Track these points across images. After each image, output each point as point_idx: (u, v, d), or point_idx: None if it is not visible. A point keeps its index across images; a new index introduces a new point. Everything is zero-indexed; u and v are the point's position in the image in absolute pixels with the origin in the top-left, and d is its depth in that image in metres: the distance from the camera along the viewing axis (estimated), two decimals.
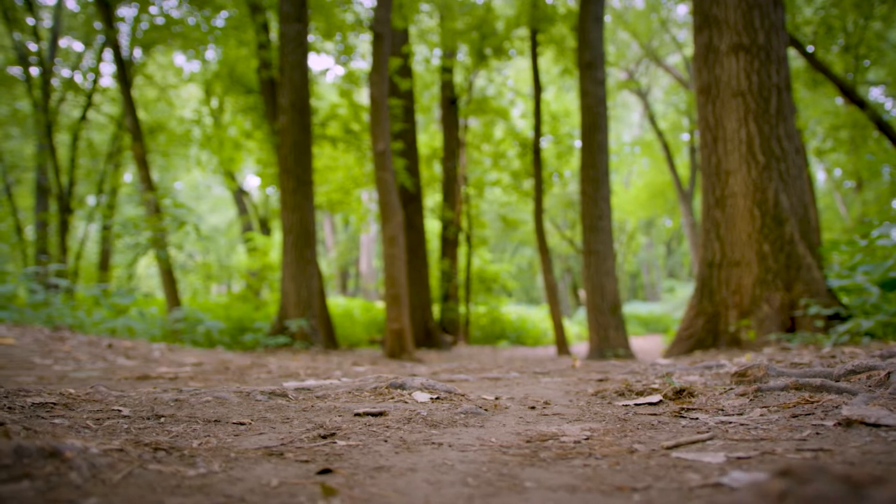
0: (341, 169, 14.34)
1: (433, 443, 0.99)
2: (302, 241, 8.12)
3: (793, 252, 5.81)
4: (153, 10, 11.68)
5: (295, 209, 7.96)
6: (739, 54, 6.14)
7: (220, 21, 11.35)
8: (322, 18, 10.47)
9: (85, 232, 12.77)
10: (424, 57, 15.12)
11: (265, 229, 20.26)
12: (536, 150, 12.12)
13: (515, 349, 14.34)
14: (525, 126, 17.17)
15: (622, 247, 34.63)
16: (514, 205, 21.77)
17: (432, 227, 18.39)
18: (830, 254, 6.96)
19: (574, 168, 19.62)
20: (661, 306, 28.97)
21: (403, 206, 10.56)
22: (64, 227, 11.91)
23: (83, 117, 13.88)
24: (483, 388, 1.69)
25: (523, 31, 13.87)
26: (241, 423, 1.10)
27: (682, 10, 22.76)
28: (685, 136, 24.51)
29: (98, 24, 13.27)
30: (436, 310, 13.67)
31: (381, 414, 1.17)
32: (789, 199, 5.95)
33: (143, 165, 9.51)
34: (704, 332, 6.31)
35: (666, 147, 21.36)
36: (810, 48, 12.32)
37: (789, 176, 5.99)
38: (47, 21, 14.13)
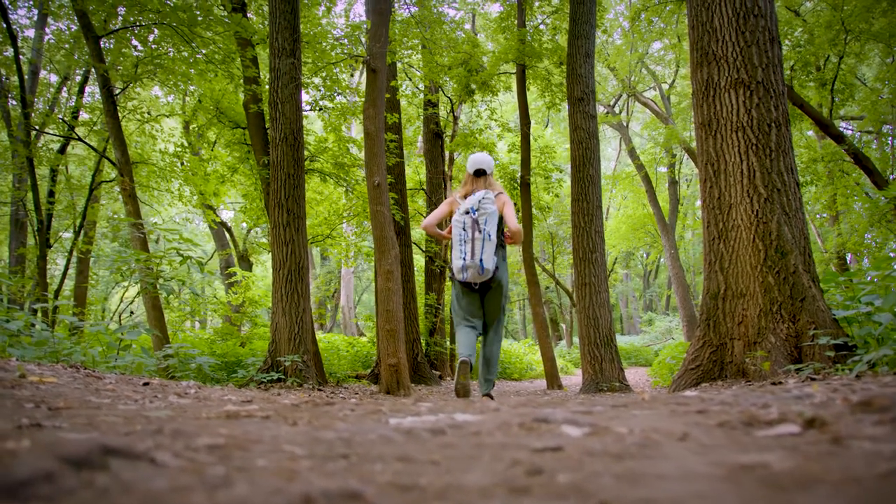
0: (325, 202, 14.24)
1: (646, 474, 0.96)
2: (294, 276, 8.00)
3: (797, 283, 5.89)
4: (134, 42, 11.54)
5: (287, 242, 7.85)
6: (739, 90, 6.29)
7: (204, 55, 11.23)
8: (312, 53, 10.48)
9: (65, 267, 12.49)
10: (412, 91, 15.22)
11: (244, 263, 20.01)
12: (525, 184, 12.19)
13: (503, 383, 14.26)
14: (508, 160, 17.29)
15: None
16: None
17: (417, 260, 18.33)
18: (828, 285, 7.08)
19: (553, 202, 19.76)
20: (640, 339, 29.13)
21: None
22: (43, 262, 11.64)
23: (62, 150, 13.68)
24: (595, 421, 1.66)
25: (509, 66, 14.04)
26: (434, 462, 1.05)
27: (657, 46, 23.37)
28: (663, 169, 24.93)
29: (76, 55, 13.15)
30: (422, 344, 13.57)
31: (559, 448, 1.14)
32: (791, 231, 6.05)
33: (132, 200, 9.37)
34: (710, 363, 6.33)
35: (648, 180, 21.70)
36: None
37: (791, 208, 6.10)
38: (29, 53, 13.98)
